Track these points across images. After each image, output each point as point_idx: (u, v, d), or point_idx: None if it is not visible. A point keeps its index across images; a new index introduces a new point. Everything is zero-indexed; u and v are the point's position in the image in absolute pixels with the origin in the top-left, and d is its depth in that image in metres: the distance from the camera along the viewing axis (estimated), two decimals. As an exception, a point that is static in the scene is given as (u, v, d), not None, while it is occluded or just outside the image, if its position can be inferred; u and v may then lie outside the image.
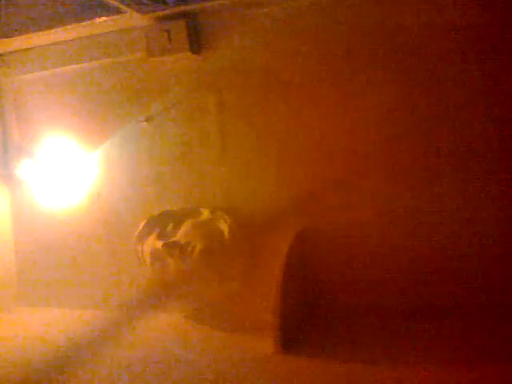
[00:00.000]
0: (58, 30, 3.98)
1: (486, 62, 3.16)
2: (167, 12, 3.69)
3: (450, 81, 3.24)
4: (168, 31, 3.69)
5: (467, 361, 2.72)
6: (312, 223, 3.56)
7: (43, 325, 4.03)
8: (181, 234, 3.60)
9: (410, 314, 3.31)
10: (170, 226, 3.71)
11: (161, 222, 3.76)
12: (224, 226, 3.58)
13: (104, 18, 3.82)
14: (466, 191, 3.24)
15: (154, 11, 3.67)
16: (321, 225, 3.55)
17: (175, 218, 3.76)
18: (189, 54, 3.71)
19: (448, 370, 2.63)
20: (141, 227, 3.76)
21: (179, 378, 2.88)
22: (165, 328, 3.67)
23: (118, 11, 3.66)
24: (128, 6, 3.53)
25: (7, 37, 4.18)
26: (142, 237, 3.73)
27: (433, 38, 3.25)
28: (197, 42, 3.74)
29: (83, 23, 3.88)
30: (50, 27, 3.99)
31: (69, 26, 3.93)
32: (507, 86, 3.13)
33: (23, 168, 4.43)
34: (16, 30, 4.14)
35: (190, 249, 3.45)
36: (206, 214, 3.72)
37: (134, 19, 3.79)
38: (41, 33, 4.04)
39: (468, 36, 3.18)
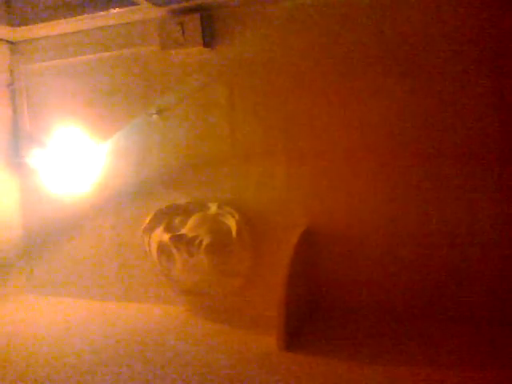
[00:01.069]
0: (73, 19, 3.99)
1: (489, 65, 3.16)
2: (181, 5, 3.67)
3: (454, 82, 3.23)
4: (182, 24, 3.68)
5: (469, 362, 2.71)
6: (318, 221, 3.55)
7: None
8: (188, 228, 3.60)
9: (414, 315, 3.31)
10: (178, 220, 3.72)
11: (168, 215, 3.77)
12: (231, 222, 3.58)
13: (118, 10, 3.82)
14: (468, 192, 3.23)
15: (169, 4, 3.66)
16: (326, 223, 3.55)
17: (183, 212, 3.77)
18: (202, 47, 3.70)
19: (447, 372, 2.62)
20: (148, 219, 3.78)
21: (179, 371, 2.87)
22: (167, 321, 3.67)
23: (132, 3, 3.67)
24: (143, -3, 3.53)
25: (21, 25, 4.20)
26: (150, 229, 3.75)
27: (440, 40, 3.25)
28: (210, 36, 3.72)
29: (98, 14, 3.89)
30: (64, 17, 4.00)
31: (83, 16, 3.93)
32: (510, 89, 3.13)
33: (33, 157, 4.45)
34: (30, 19, 4.16)
35: (196, 242, 3.45)
36: (213, 208, 3.71)
37: (148, 11, 3.78)
38: (55, 22, 4.05)
39: (473, 40, 3.17)
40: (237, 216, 3.59)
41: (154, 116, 3.98)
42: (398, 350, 2.93)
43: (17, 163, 4.53)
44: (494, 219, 3.19)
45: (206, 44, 3.71)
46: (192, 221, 3.64)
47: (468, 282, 3.25)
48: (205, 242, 3.44)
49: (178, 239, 3.50)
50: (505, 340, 2.94)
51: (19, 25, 4.20)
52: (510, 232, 3.17)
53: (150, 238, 3.73)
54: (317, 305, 3.54)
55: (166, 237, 3.57)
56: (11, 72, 4.49)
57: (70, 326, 3.72)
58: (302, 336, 3.18)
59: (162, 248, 3.61)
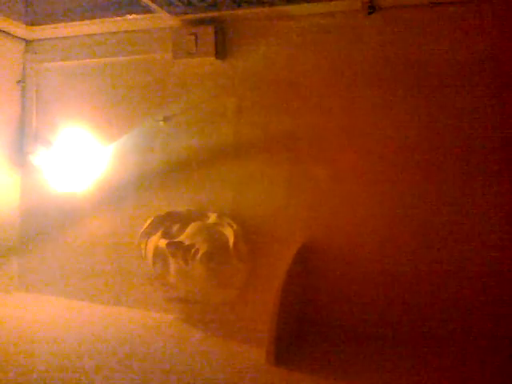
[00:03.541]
0: (88, 22, 4.07)
1: (491, 78, 3.23)
2: (196, 16, 3.74)
3: (455, 91, 3.30)
4: (195, 35, 3.74)
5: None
6: (316, 238, 3.55)
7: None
8: (185, 236, 3.59)
9: (409, 334, 3.29)
10: (176, 227, 3.70)
11: (167, 222, 3.75)
12: (229, 232, 3.57)
13: (134, 16, 3.89)
14: (469, 214, 3.25)
15: (184, 13, 3.72)
16: (324, 240, 3.55)
17: (182, 220, 3.76)
18: (213, 59, 3.75)
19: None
20: (146, 224, 3.76)
21: (164, 381, 2.82)
22: (157, 328, 3.62)
23: (148, 10, 3.73)
24: (159, 5, 3.59)
25: (37, 24, 4.27)
26: (147, 234, 3.73)
27: (442, 58, 3.34)
28: (222, 47, 3.78)
29: (113, 18, 3.96)
30: (80, 19, 4.08)
31: (98, 20, 4.01)
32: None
33: (38, 155, 4.46)
34: (46, 19, 4.23)
35: (193, 251, 3.43)
36: (212, 218, 3.71)
37: (162, 19, 3.85)
38: (70, 23, 4.13)
39: (475, 53, 3.26)
40: (235, 227, 3.58)
41: (161, 123, 4.00)
42: (391, 369, 2.89)
43: (20, 160, 4.53)
44: (494, 241, 3.19)
45: (218, 56, 3.76)
46: (190, 229, 3.63)
47: (464, 303, 3.23)
48: (201, 251, 3.42)
49: (174, 246, 3.48)
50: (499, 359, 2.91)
51: (35, 24, 4.27)
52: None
53: (146, 243, 3.71)
54: (310, 321, 3.51)
55: (162, 243, 3.56)
56: (23, 69, 4.53)
57: (57, 326, 3.66)
58: (293, 351, 3.14)
59: (158, 254, 3.60)
